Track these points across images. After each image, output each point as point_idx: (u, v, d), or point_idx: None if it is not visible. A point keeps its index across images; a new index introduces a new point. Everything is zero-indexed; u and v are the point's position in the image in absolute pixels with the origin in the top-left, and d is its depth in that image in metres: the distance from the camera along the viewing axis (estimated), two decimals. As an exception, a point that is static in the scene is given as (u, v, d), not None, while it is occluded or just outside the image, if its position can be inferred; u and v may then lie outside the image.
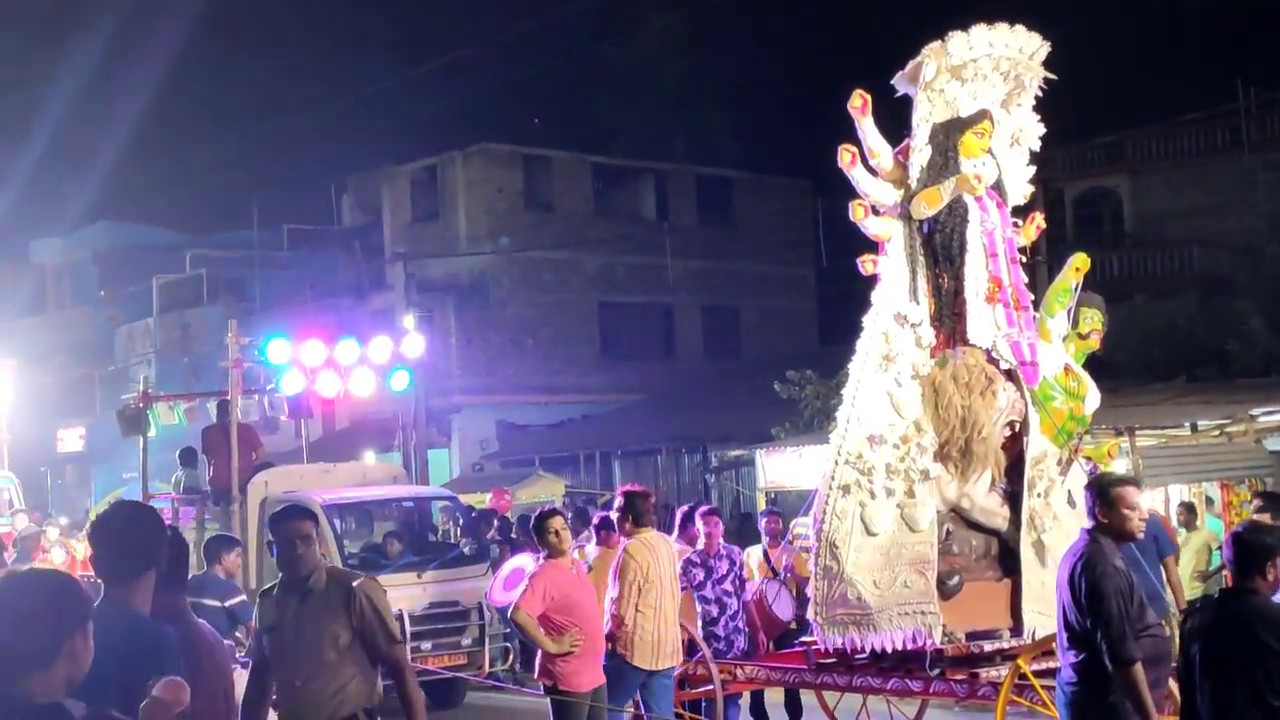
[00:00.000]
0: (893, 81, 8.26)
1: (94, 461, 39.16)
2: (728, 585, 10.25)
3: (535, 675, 8.82)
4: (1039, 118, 8.58)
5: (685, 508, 10.91)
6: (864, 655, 8.25)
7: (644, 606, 8.71)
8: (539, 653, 8.60)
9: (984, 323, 8.11)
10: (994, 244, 8.15)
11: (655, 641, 8.76)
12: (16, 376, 25.30)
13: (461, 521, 15.28)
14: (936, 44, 8.04)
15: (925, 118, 8.12)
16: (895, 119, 8.30)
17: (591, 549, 11.57)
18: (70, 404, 41.19)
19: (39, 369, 37.46)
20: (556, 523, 8.56)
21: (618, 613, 8.73)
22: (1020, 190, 8.64)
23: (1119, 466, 12.03)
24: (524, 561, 11.62)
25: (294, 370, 14.90)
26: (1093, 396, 8.44)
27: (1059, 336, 8.52)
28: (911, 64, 8.12)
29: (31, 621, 3.29)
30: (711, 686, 9.33)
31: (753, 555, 12.21)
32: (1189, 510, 14.15)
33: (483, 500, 21.18)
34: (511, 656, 13.91)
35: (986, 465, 8.19)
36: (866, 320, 8.33)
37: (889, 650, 8.02)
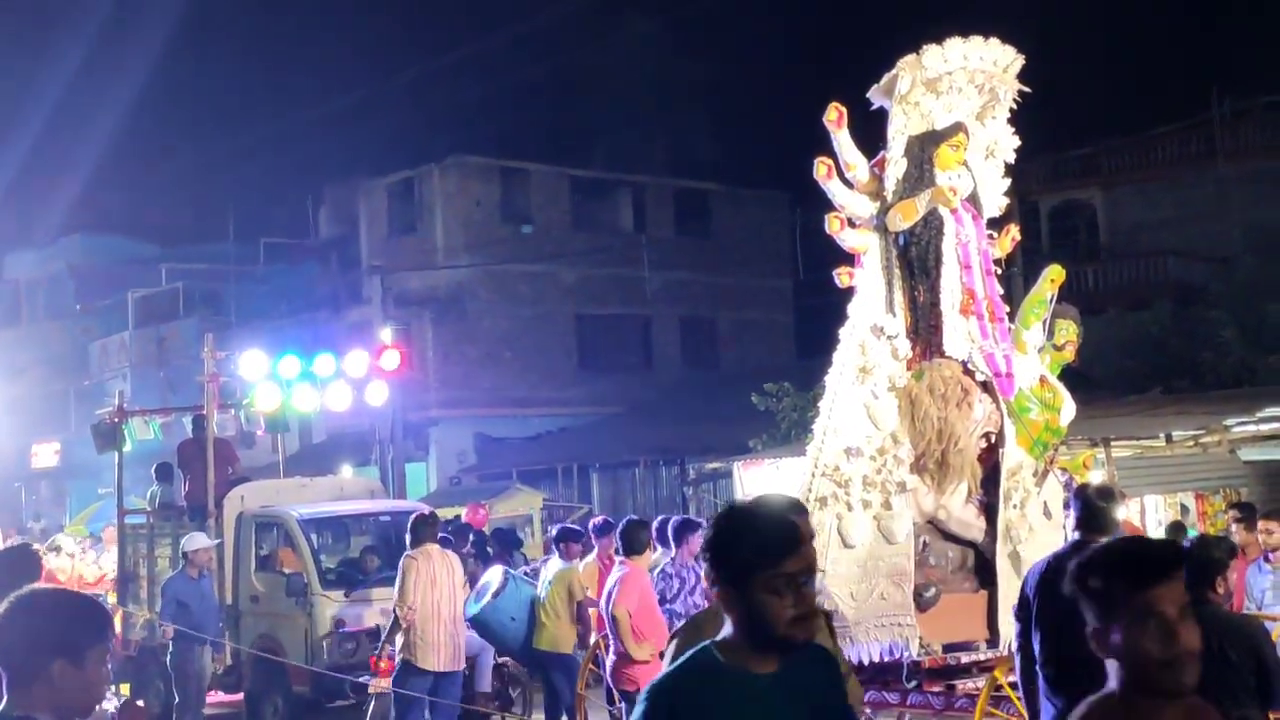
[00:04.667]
0: (868, 95, 8.29)
1: (69, 476, 38.95)
2: (698, 598, 10.26)
3: (612, 684, 9.11)
4: (1013, 130, 8.62)
5: (677, 519, 10.87)
6: (841, 668, 8.24)
7: (421, 610, 10.23)
8: (611, 659, 8.82)
9: (960, 335, 8.14)
10: (969, 256, 8.18)
11: (436, 644, 10.31)
12: (-10, 391, 25.16)
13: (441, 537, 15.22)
14: (911, 57, 8.07)
15: (900, 130, 8.14)
16: (871, 132, 8.32)
17: (554, 562, 11.59)
18: (45, 418, 40.94)
19: (13, 383, 37.22)
20: (647, 535, 9.41)
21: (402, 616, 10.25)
22: (995, 202, 8.67)
23: (1095, 477, 12.07)
24: (491, 575, 11.68)
25: (270, 384, 14.83)
26: (1068, 408, 8.46)
27: (1034, 348, 8.55)
28: (886, 77, 8.15)
29: (12, 642, 3.22)
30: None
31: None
32: (1177, 529, 14.11)
33: (458, 513, 21.11)
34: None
35: (963, 477, 8.21)
36: (843, 332, 8.34)
37: (866, 662, 8.02)
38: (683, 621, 4.27)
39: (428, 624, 10.45)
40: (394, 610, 10.63)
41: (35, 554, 6.79)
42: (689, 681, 3.21)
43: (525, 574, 12.54)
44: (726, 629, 3.24)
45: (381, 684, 11.02)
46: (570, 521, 18.99)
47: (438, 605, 10.45)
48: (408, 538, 10.93)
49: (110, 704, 3.63)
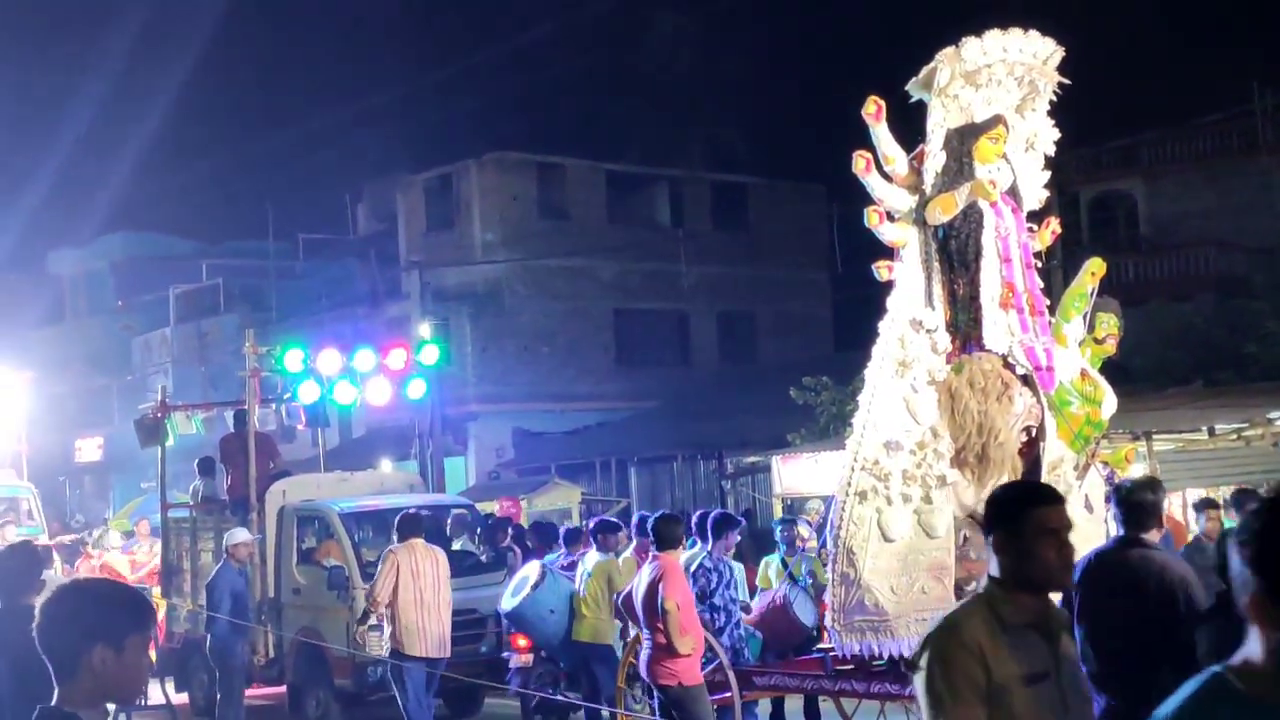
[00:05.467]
0: (907, 87, 8.26)
1: (112, 471, 39.32)
2: (733, 592, 10.26)
3: (648, 678, 9.02)
4: (1053, 122, 8.58)
5: (716, 513, 10.86)
6: (882, 661, 8.24)
7: (404, 599, 10.85)
8: (649, 653, 8.81)
9: (1000, 328, 8.11)
10: (1008, 249, 8.15)
11: (422, 632, 10.95)
12: (34, 387, 25.39)
13: (480, 530, 15.30)
14: (950, 50, 8.04)
15: (939, 123, 8.12)
16: (910, 125, 8.30)
17: (592, 555, 11.59)
18: (88, 414, 41.36)
19: (57, 379, 37.60)
20: (680, 527, 9.38)
21: (388, 608, 10.98)
22: (1035, 195, 8.63)
23: (1136, 471, 12.01)
24: (529, 569, 11.72)
25: (310, 379, 14.93)
26: (1109, 401, 8.42)
27: (1075, 341, 8.50)
28: (925, 70, 8.12)
29: (54, 631, 3.29)
30: (729, 694, 9.32)
31: (770, 564, 12.19)
32: (1209, 504, 14.04)
33: (495, 508, 21.22)
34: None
35: (1003, 470, 8.18)
36: (882, 326, 8.33)
37: (907, 656, 8.01)
38: (938, 621, 3.67)
39: (412, 613, 11.03)
40: (365, 599, 11.39)
41: (37, 550, 6.91)
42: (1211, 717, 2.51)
43: (563, 568, 12.55)
44: (1251, 649, 2.51)
45: (523, 659, 11.87)
46: (608, 515, 19.01)
47: (421, 594, 11.06)
48: (394, 535, 11.59)
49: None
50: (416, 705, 11.05)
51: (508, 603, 11.52)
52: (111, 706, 3.45)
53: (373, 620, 11.47)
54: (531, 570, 11.69)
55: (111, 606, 3.35)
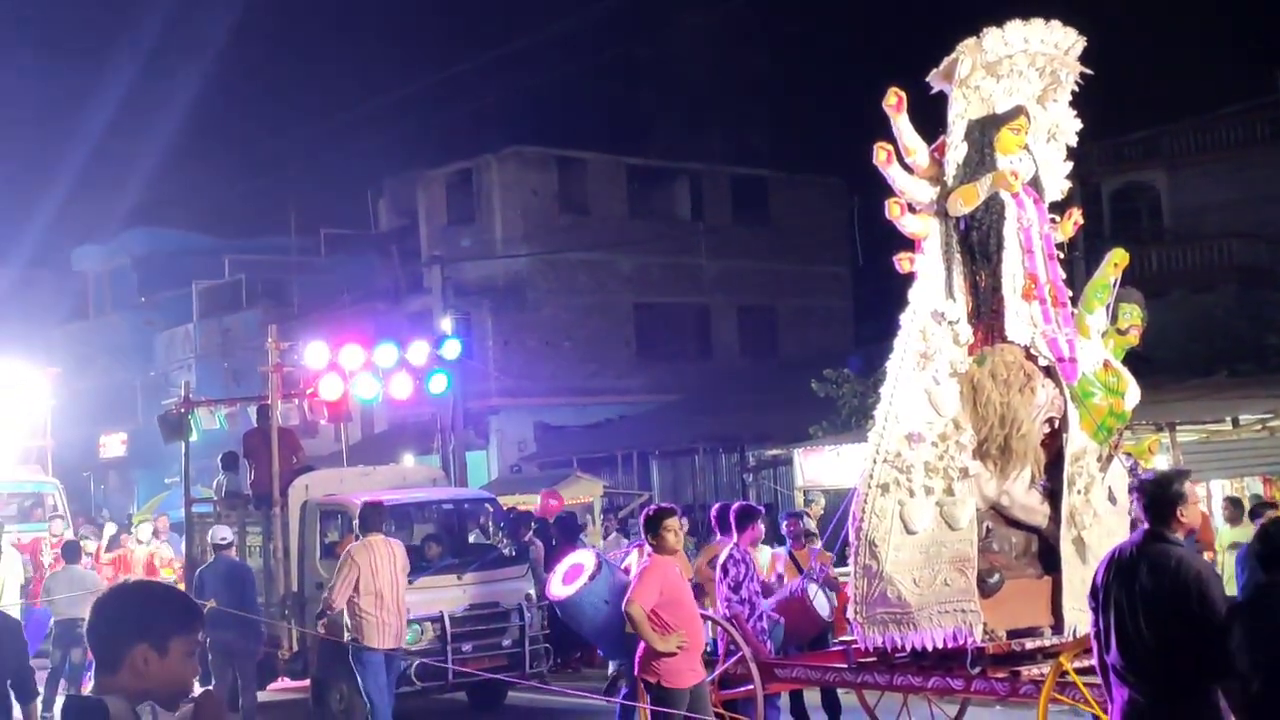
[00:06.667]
0: (928, 79, 8.26)
1: (136, 466, 39.51)
2: (756, 585, 10.24)
3: (636, 672, 8.93)
4: (1075, 113, 8.56)
5: (737, 505, 10.79)
6: (904, 654, 8.24)
7: (363, 597, 11.22)
8: (640, 650, 8.73)
9: (1022, 319, 8.10)
10: (1031, 240, 8.14)
11: (381, 626, 11.33)
12: (59, 383, 25.47)
13: (503, 524, 15.32)
14: (971, 40, 8.04)
15: (961, 114, 8.11)
16: (931, 116, 8.29)
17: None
18: (112, 409, 41.52)
19: (81, 375, 37.76)
20: (673, 522, 8.91)
21: (346, 604, 11.35)
22: (1057, 186, 8.62)
23: (1160, 462, 11.97)
24: (583, 557, 11.59)
25: (333, 374, 14.96)
26: (1132, 392, 8.40)
27: (1098, 332, 8.49)
28: (946, 61, 8.12)
29: (102, 625, 3.36)
30: (751, 686, 9.33)
31: (779, 558, 12.17)
32: (1234, 505, 14.05)
33: (529, 502, 21.24)
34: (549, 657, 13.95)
35: (1026, 462, 8.17)
36: (904, 318, 8.32)
37: (929, 649, 8.01)
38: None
39: (371, 610, 11.36)
40: (324, 595, 11.70)
41: None
42: None
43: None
44: None
45: None
46: (631, 509, 19.00)
47: (380, 592, 11.36)
48: (355, 523, 11.95)
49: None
50: (377, 691, 11.42)
51: (559, 590, 11.33)
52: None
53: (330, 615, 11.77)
54: (587, 559, 11.48)
55: (159, 607, 3.41)
